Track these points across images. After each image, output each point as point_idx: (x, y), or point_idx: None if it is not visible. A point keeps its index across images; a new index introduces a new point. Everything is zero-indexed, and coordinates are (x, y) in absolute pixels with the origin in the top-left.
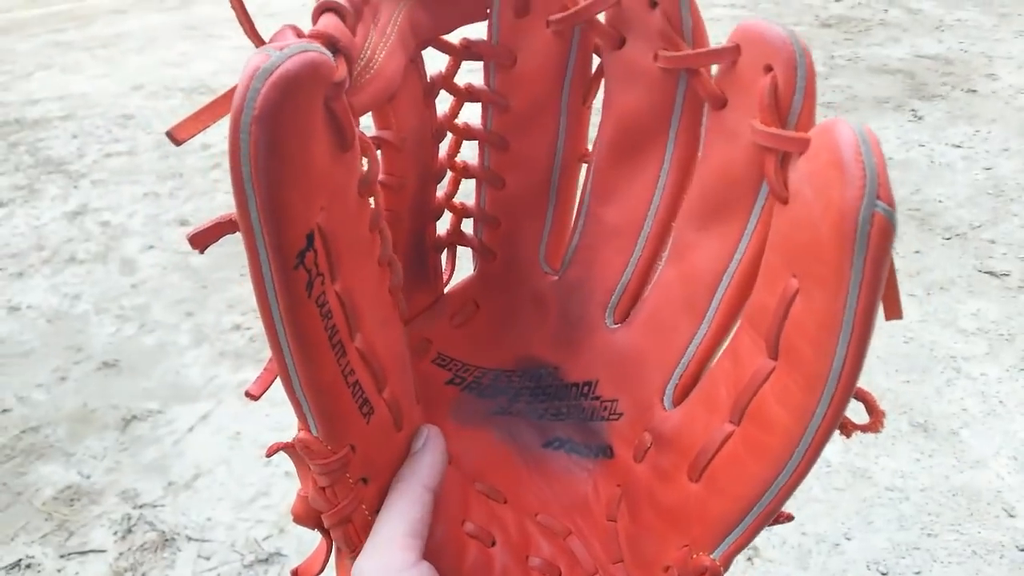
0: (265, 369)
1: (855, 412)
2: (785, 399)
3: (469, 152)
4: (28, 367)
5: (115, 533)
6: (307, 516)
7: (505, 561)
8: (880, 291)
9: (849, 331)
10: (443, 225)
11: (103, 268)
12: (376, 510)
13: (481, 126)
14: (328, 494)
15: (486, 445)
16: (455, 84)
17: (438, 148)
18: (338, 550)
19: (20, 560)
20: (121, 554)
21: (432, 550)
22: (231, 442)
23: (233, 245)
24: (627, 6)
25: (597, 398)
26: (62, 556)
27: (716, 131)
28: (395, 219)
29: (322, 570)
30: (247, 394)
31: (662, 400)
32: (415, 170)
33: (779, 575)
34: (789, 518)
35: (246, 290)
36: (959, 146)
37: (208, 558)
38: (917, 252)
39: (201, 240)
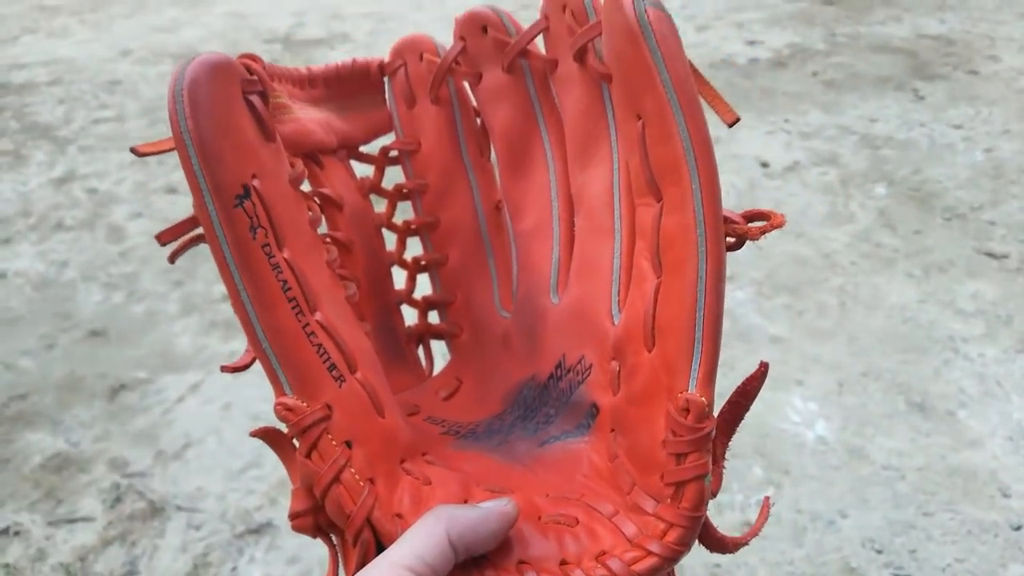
0: (245, 350)
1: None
2: (673, 211)
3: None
4: (15, 334)
5: (104, 502)
6: (304, 515)
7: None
8: (681, 68)
9: (679, 108)
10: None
11: (90, 235)
12: (367, 478)
13: (415, 216)
14: (314, 459)
15: (486, 463)
16: (383, 188)
17: (383, 240)
18: (344, 544)
19: (8, 527)
20: (110, 522)
21: None
22: (222, 412)
23: None
24: (472, 47)
25: (569, 370)
26: (50, 523)
27: (562, 89)
28: (352, 280)
29: None
30: (223, 368)
31: (613, 322)
32: (360, 237)
33: (774, 552)
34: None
35: None
36: (960, 127)
37: (198, 528)
38: (917, 232)
39: (168, 236)
